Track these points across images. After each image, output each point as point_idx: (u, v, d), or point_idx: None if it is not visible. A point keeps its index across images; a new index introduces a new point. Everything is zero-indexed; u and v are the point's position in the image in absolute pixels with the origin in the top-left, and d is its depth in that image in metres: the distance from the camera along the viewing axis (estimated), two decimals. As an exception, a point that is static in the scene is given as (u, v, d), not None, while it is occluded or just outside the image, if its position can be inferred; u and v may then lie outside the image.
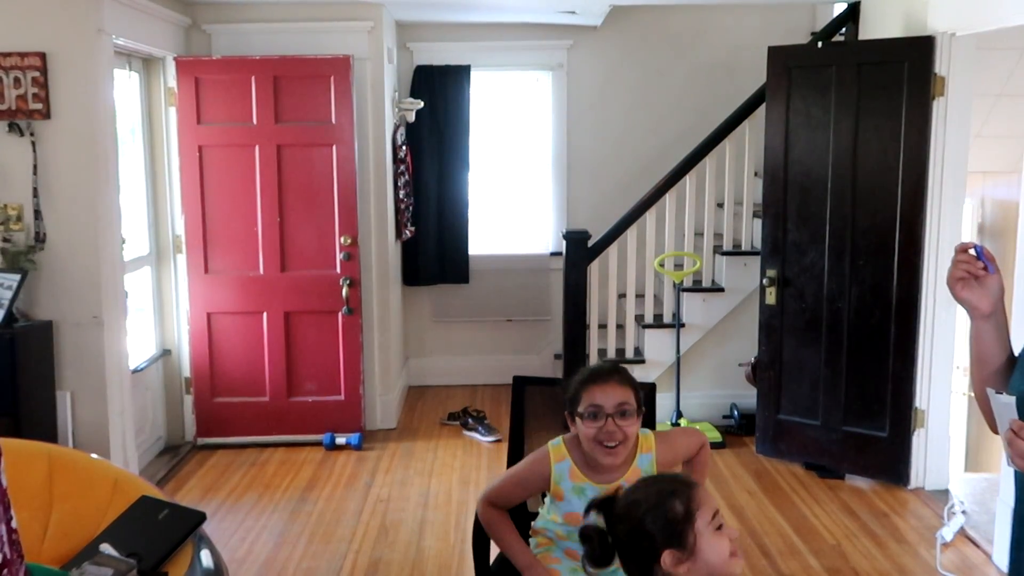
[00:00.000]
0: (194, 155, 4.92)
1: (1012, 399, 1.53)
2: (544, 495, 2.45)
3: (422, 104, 5.71)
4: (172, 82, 4.88)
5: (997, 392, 1.56)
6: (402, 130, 5.65)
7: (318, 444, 5.07)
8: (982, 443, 6.07)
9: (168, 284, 5.09)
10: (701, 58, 6.06)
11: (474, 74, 6.01)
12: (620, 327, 5.58)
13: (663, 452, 2.38)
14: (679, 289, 5.30)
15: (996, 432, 1.64)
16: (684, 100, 6.06)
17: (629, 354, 5.52)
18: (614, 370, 2.32)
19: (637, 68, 6.11)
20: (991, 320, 1.65)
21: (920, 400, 4.39)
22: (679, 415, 5.16)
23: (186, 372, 5.14)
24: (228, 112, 4.93)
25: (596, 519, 1.74)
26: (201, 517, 2.35)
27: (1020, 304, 3.54)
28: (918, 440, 4.41)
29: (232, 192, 4.97)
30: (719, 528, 1.65)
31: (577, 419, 2.30)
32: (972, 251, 1.64)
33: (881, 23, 4.79)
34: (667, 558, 1.61)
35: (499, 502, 2.41)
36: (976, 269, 1.62)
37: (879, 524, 4.06)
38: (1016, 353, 1.70)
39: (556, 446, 2.38)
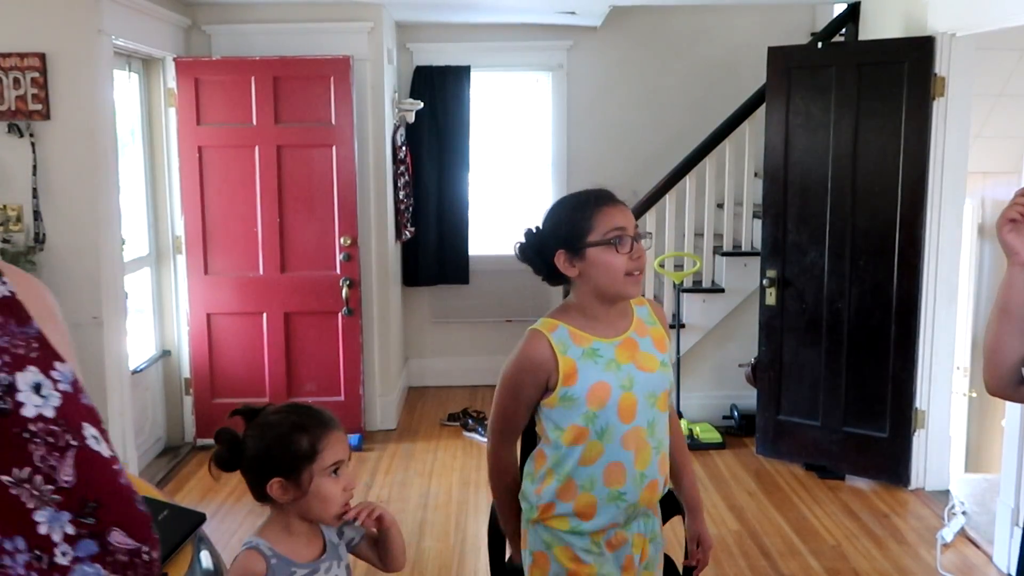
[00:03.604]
0: (194, 156, 4.92)
1: None
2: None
3: (422, 105, 5.71)
4: (172, 83, 4.87)
5: None
6: (402, 130, 5.65)
7: (318, 445, 5.06)
8: (982, 443, 6.07)
9: (168, 285, 5.09)
10: (701, 58, 6.06)
11: (474, 75, 6.01)
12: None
13: (657, 310, 2.09)
14: (679, 290, 5.30)
15: (995, 392, 1.63)
16: (684, 100, 6.06)
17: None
18: (611, 193, 1.99)
19: (637, 68, 6.11)
20: None
21: (920, 401, 4.38)
22: (679, 416, 5.15)
23: (186, 373, 5.14)
24: (228, 113, 4.92)
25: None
26: (201, 518, 2.35)
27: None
28: (918, 441, 4.40)
29: (232, 193, 4.97)
30: (335, 473, 1.73)
31: (590, 252, 1.90)
32: None
33: (881, 23, 4.78)
34: (275, 485, 1.70)
35: (507, 434, 2.04)
36: None
37: (879, 525, 4.06)
38: None
39: (540, 322, 1.97)
